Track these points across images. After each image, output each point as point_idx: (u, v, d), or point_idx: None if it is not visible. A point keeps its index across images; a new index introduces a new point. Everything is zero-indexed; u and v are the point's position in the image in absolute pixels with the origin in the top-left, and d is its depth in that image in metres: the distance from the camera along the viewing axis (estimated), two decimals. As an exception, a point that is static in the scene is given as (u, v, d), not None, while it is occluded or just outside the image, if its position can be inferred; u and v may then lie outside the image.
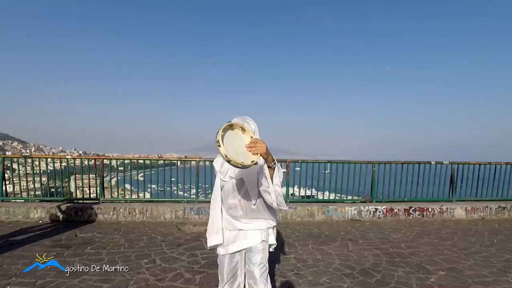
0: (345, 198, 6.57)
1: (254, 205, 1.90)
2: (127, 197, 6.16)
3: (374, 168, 6.53)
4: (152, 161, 6.51)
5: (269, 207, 1.93)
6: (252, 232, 1.94)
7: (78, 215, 5.56)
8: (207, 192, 7.38)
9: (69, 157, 5.76)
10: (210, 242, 1.98)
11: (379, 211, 6.23)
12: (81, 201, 5.82)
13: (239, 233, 1.95)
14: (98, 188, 5.84)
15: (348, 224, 5.80)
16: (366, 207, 6.20)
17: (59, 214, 5.54)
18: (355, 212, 6.17)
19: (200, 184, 6.19)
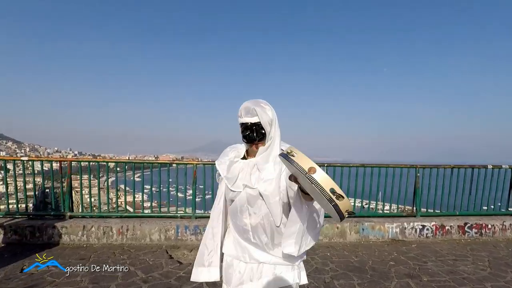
0: (380, 210, 5.20)
1: (278, 226, 1.32)
2: (103, 209, 4.72)
3: (418, 174, 5.18)
4: (137, 163, 5.09)
5: None
6: (281, 268, 1.36)
7: (35, 236, 4.16)
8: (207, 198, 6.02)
9: (25, 158, 4.36)
10: (197, 276, 1.43)
11: (427, 229, 4.87)
12: (41, 217, 4.42)
13: (260, 268, 1.36)
14: (64, 199, 4.44)
15: (391, 247, 4.45)
16: (411, 223, 4.84)
17: (9, 234, 4.14)
18: (397, 230, 4.81)
19: (199, 186, 4.83)
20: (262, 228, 1.33)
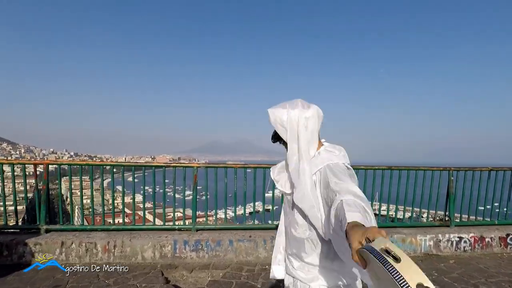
0: (407, 219, 4.53)
1: (299, 234, 1.25)
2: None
3: (451, 177, 4.52)
4: (127, 166, 4.38)
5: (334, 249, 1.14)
6: (301, 285, 1.25)
7: (2, 255, 3.44)
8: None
9: (-6, 161, 3.64)
10: (272, 274, 1.43)
11: (465, 241, 4.21)
12: (9, 231, 3.70)
13: (290, 281, 1.33)
14: (39, 209, 3.71)
15: (426, 264, 3.78)
16: (446, 235, 4.18)
17: (-30, 253, 3.42)
18: (431, 243, 4.14)
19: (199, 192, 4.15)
20: (289, 238, 1.32)
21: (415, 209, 4.65)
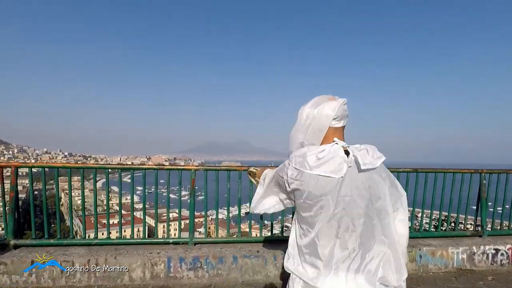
0: (434, 228, 3.99)
1: None
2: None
3: (484, 180, 3.99)
4: (113, 168, 3.76)
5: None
6: None
7: (-42, 277, 2.84)
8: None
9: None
10: None
11: (502, 254, 3.69)
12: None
13: None
14: (6, 220, 3.10)
15: (462, 282, 3.25)
16: (481, 247, 3.65)
17: None
18: (464, 256, 3.61)
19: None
20: None
21: (443, 214, 4.12)
